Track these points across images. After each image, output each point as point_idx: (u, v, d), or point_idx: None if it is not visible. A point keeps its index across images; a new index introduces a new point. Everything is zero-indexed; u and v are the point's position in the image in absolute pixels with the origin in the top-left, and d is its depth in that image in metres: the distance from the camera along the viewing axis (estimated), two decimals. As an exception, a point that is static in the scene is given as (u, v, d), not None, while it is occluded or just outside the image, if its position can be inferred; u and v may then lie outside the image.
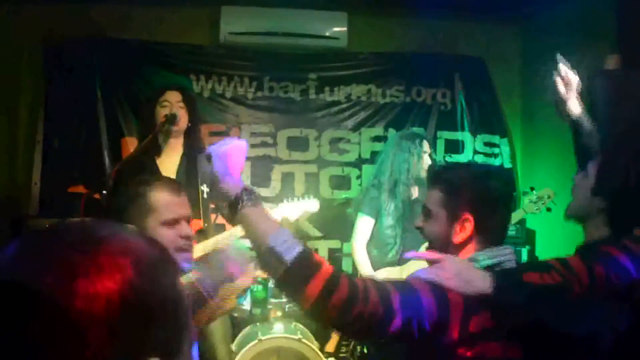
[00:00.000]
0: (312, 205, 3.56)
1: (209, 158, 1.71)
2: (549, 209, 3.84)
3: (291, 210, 3.51)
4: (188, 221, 1.98)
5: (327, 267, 1.59)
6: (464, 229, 1.79)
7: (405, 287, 1.67)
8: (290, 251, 1.57)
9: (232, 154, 1.72)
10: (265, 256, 1.60)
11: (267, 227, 1.63)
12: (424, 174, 3.83)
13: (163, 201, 1.90)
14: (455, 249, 1.80)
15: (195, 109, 3.76)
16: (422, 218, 1.90)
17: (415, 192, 3.87)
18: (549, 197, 3.83)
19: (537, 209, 3.84)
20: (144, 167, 3.56)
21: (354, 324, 1.59)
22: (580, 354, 1.66)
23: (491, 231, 1.82)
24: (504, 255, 1.79)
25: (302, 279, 1.56)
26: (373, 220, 3.88)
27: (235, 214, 1.66)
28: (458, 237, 1.80)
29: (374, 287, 1.61)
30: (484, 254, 1.77)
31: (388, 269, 3.82)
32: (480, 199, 1.80)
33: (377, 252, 3.87)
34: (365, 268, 3.84)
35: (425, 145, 3.93)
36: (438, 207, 1.84)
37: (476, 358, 1.59)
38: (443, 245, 1.82)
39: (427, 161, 3.88)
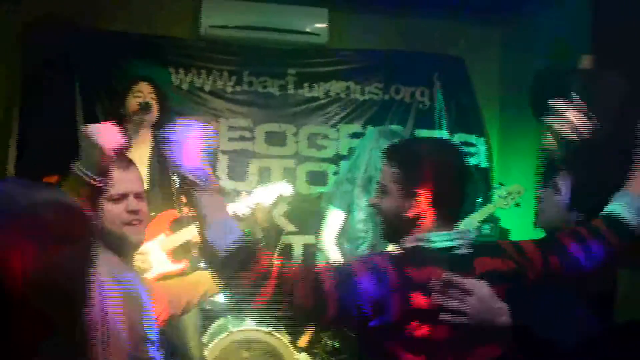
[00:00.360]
0: (286, 188, 3.58)
1: (165, 141, 1.71)
2: (517, 205, 3.89)
3: (265, 195, 3.53)
4: (138, 196, 1.99)
5: (263, 261, 1.61)
6: (418, 204, 1.76)
7: (343, 271, 1.68)
8: (229, 241, 1.60)
9: (188, 140, 1.69)
10: (206, 242, 1.62)
11: (214, 216, 1.64)
12: None
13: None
14: (409, 225, 1.78)
15: (166, 101, 3.76)
16: (378, 194, 1.90)
17: None
18: (518, 192, 3.88)
19: (505, 204, 3.89)
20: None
21: (287, 313, 1.65)
22: (530, 338, 1.67)
23: (446, 208, 1.79)
24: (461, 239, 1.76)
25: (237, 270, 1.59)
26: (344, 214, 3.88)
27: (190, 196, 1.67)
28: (411, 213, 1.77)
29: (306, 279, 1.63)
30: (438, 235, 1.75)
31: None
32: (434, 174, 1.77)
33: (348, 246, 3.87)
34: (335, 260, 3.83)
35: None
36: (392, 183, 1.82)
37: (425, 339, 1.60)
38: (397, 221, 1.81)
39: None
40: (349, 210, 3.88)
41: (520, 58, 5.11)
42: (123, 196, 1.94)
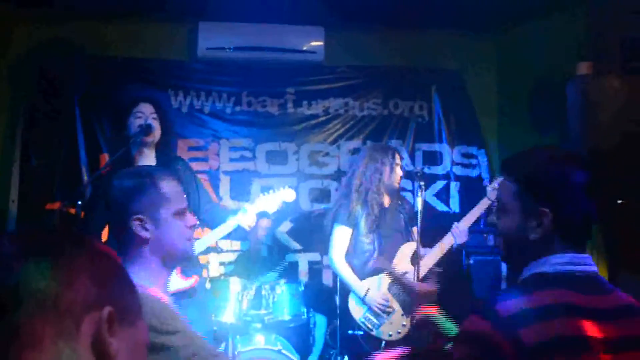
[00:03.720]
0: (288, 195, 3.63)
1: None
2: None
3: (269, 202, 3.56)
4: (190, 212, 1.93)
5: None
6: (542, 224, 1.55)
7: None
8: None
9: None
10: None
11: None
12: (396, 185, 3.87)
13: (174, 191, 1.83)
14: (533, 246, 1.57)
15: (168, 120, 3.77)
16: (496, 213, 1.69)
17: (386, 201, 3.88)
18: None
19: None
20: None
21: None
22: None
23: (572, 227, 1.57)
24: (585, 265, 1.56)
25: None
26: (350, 230, 3.87)
27: None
28: (535, 234, 1.56)
29: None
30: (563, 257, 1.55)
31: (369, 280, 3.80)
32: (559, 189, 1.56)
33: (357, 262, 3.85)
34: (350, 277, 3.81)
35: (397, 158, 3.93)
36: (512, 200, 1.61)
37: None
38: (520, 242, 1.61)
39: (398, 173, 3.88)
40: (353, 225, 3.88)
41: (516, 69, 5.14)
42: (184, 211, 1.85)
